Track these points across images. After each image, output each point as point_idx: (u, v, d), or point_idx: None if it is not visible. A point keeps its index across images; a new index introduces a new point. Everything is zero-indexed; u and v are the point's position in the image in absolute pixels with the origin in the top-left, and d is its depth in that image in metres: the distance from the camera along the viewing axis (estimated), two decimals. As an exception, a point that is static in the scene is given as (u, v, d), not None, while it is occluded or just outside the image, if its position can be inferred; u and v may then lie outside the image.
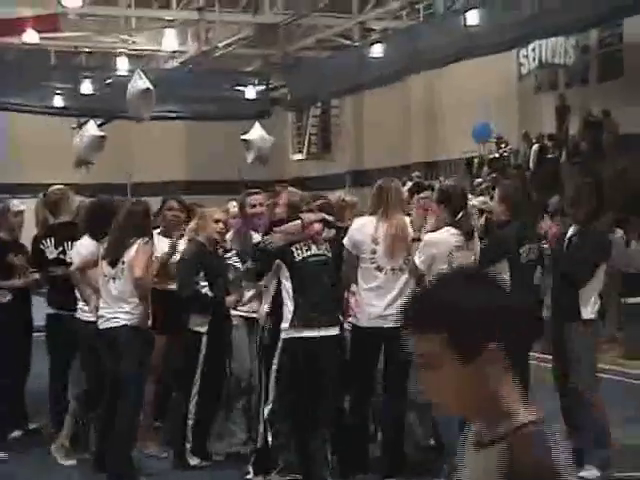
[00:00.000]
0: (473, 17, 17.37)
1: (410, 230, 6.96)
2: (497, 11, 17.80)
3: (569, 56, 20.09)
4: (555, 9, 15.89)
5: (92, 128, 16.10)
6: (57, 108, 23.74)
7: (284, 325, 6.55)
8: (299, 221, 6.65)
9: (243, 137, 16.57)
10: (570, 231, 7.25)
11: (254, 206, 7.57)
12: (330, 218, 6.92)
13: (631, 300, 12.72)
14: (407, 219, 7.06)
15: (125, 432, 7.01)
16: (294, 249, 6.60)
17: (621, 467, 7.14)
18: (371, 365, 7.04)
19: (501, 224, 7.12)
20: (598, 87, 20.37)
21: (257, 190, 7.86)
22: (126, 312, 6.98)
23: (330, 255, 6.74)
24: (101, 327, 7.08)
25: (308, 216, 6.70)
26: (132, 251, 6.96)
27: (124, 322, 6.97)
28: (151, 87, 15.22)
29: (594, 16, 15.91)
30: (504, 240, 7.01)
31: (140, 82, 15.21)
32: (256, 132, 16.59)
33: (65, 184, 8.94)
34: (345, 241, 6.90)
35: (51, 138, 25.15)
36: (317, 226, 6.70)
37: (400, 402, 7.03)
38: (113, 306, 7.02)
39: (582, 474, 6.90)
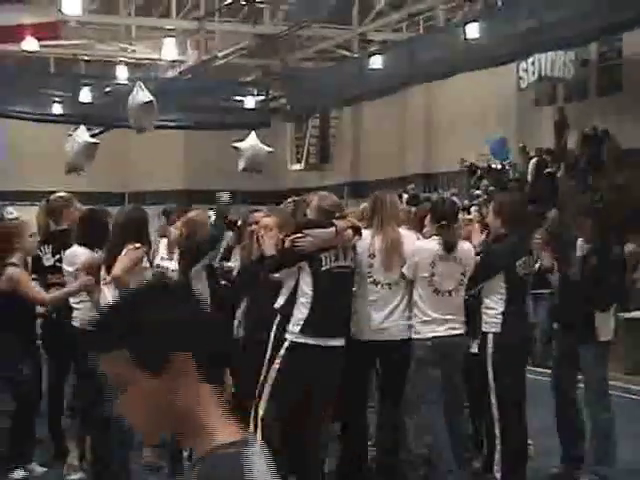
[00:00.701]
0: (473, 30, 17.38)
1: (411, 240, 6.95)
2: (497, 24, 17.81)
3: (568, 70, 20.11)
4: (555, 23, 15.89)
5: (83, 134, 16.01)
6: (56, 116, 23.74)
7: (293, 328, 6.46)
8: (333, 228, 6.56)
9: (234, 145, 16.51)
10: (579, 249, 7.21)
11: (250, 224, 7.66)
12: (361, 225, 6.90)
13: (629, 315, 12.68)
14: (404, 231, 7.04)
15: (121, 435, 6.93)
16: (323, 257, 6.54)
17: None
18: (366, 377, 7.03)
19: (498, 238, 7.10)
20: (597, 101, 20.39)
21: (260, 208, 8.12)
22: None
23: (354, 267, 6.73)
24: None
25: (340, 223, 6.64)
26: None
27: None
28: (153, 100, 15.17)
29: (594, 30, 15.92)
30: (500, 254, 6.98)
31: (141, 94, 15.13)
32: (249, 141, 16.52)
33: (65, 192, 8.90)
34: None
35: (50, 146, 25.13)
36: (349, 233, 6.69)
37: (395, 413, 7.00)
38: None
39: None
